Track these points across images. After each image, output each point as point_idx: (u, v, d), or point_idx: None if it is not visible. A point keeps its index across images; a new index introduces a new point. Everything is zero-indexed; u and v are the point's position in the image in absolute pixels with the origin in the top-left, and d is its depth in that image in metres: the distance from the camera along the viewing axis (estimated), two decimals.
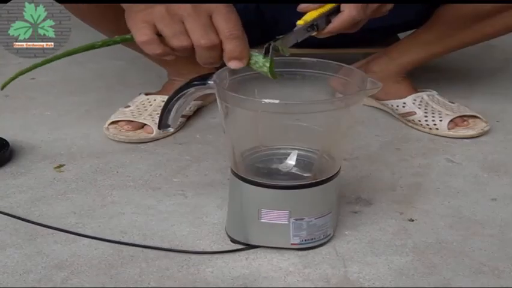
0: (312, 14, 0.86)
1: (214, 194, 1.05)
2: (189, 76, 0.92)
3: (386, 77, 1.29)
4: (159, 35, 0.80)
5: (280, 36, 0.83)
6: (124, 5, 0.84)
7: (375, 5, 0.89)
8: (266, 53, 0.82)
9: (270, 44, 0.81)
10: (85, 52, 0.85)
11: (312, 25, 0.86)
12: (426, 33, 1.29)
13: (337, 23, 0.87)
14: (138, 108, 1.30)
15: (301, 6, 0.87)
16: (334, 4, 0.87)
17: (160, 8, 0.79)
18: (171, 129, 0.97)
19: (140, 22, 0.81)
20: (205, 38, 0.78)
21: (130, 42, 0.82)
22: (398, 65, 1.32)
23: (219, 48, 0.79)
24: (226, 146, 0.91)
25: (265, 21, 1.35)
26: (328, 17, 0.87)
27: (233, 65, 0.80)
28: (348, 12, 0.86)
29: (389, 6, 0.92)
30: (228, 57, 0.80)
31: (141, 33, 0.81)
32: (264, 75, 0.83)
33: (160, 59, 0.84)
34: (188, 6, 0.78)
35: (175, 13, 0.79)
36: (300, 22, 0.86)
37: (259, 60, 0.82)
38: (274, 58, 0.82)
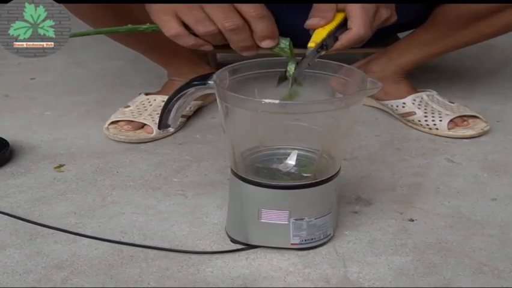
0: (320, 33, 0.86)
1: (214, 194, 1.06)
2: (189, 76, 0.92)
3: (386, 77, 1.29)
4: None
5: (295, 63, 0.84)
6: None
7: (380, 20, 0.89)
8: (280, 82, 0.84)
9: (285, 73, 0.84)
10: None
11: (322, 45, 0.86)
12: (425, 33, 1.29)
13: (345, 41, 0.86)
14: (138, 108, 1.30)
15: (309, 24, 0.87)
16: (340, 19, 0.87)
17: None
18: (171, 129, 0.97)
19: (163, 15, 0.82)
20: (228, 20, 0.79)
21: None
22: (397, 65, 1.32)
23: (246, 29, 0.80)
24: (226, 146, 0.91)
25: None
26: (335, 34, 0.87)
27: (266, 44, 0.82)
28: (357, 30, 0.86)
29: (393, 18, 0.92)
30: (259, 36, 0.81)
31: (168, 28, 0.82)
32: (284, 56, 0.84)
33: (193, 50, 0.85)
34: None
35: (193, 1, 0.79)
36: (311, 44, 0.85)
37: (283, 45, 0.83)
38: (272, 58, 0.83)
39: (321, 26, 0.86)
